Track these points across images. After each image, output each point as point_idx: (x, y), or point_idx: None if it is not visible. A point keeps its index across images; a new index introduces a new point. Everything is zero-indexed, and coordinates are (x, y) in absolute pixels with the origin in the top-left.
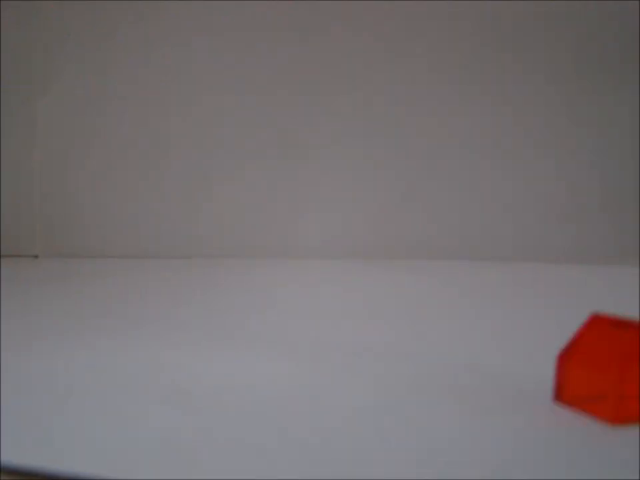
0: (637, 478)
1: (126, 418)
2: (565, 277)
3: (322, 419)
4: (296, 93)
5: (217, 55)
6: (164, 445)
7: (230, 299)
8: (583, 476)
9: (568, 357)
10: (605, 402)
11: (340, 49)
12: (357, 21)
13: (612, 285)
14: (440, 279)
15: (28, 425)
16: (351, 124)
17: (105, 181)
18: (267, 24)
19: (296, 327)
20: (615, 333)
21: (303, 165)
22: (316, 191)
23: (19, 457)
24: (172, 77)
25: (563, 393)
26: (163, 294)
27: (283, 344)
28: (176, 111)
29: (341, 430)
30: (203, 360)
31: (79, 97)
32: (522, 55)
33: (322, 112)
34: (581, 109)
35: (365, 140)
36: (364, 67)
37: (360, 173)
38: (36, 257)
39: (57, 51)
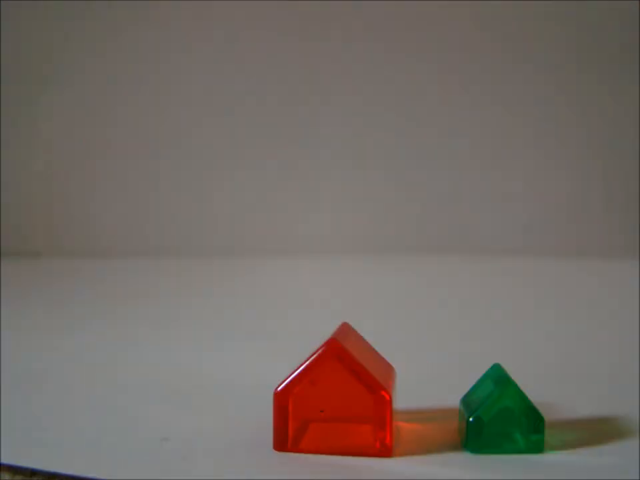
0: (637, 478)
1: (126, 417)
2: (566, 271)
3: None
4: (295, 92)
5: (217, 56)
6: (163, 444)
7: (229, 298)
8: None
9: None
10: None
11: (340, 48)
12: (356, 22)
13: (612, 279)
14: (441, 276)
15: (28, 424)
16: (350, 123)
17: (106, 181)
18: (265, 27)
19: (295, 325)
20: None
21: (302, 164)
22: (316, 190)
23: (19, 456)
24: (172, 77)
25: None
26: (163, 293)
27: (282, 342)
28: (176, 111)
29: None
30: (202, 359)
31: (79, 97)
32: (524, 56)
33: (321, 111)
34: (582, 109)
35: (364, 139)
36: (364, 65)
37: (359, 171)
38: (38, 254)
39: (57, 51)
